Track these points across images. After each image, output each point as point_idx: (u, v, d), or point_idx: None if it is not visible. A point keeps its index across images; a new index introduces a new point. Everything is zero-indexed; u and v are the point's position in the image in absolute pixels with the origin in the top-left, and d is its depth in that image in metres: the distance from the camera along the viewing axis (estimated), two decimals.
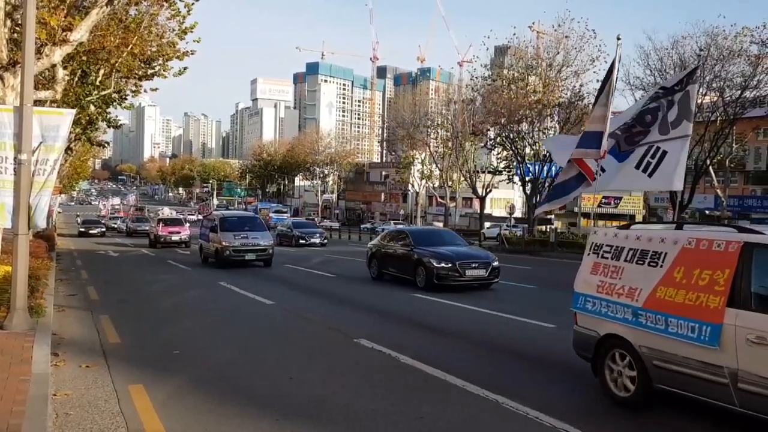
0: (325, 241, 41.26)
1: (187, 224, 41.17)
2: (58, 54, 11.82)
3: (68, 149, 28.63)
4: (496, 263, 16.82)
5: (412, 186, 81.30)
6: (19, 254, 8.91)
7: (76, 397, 6.77)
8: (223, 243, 23.05)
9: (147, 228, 52.54)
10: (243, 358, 8.81)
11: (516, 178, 45.02)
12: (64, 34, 11.67)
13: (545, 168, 39.57)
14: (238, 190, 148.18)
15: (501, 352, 9.31)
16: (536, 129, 40.40)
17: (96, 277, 20.21)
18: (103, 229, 58.08)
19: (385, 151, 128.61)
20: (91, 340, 9.97)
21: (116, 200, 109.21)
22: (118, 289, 17.10)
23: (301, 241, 39.27)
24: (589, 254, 7.21)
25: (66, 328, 10.70)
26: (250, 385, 7.42)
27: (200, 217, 74.63)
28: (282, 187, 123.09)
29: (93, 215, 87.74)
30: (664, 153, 7.15)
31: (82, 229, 56.08)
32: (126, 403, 6.56)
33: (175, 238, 37.02)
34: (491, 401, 6.67)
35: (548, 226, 51.30)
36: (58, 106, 16.23)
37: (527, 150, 41.36)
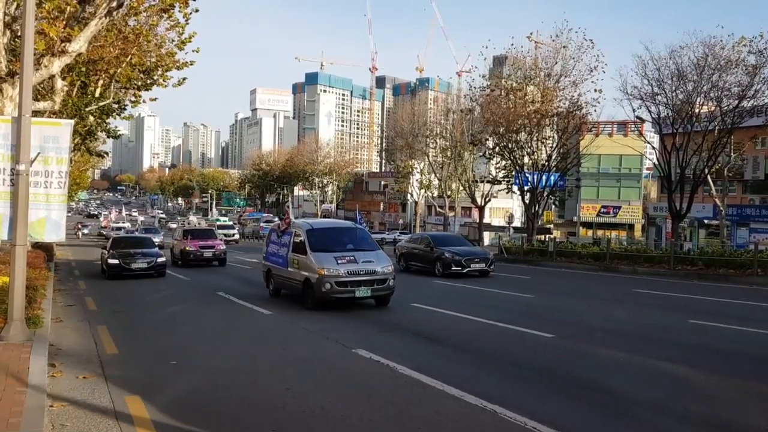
0: None
1: (220, 237, 35.43)
2: (57, 65, 11.85)
3: None
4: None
5: (411, 195, 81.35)
6: (17, 265, 8.90)
7: (72, 408, 6.75)
8: (322, 270, 14.13)
9: (157, 240, 46.74)
10: (240, 369, 8.79)
11: (515, 188, 45.03)
12: (63, 44, 11.69)
13: (544, 177, 39.59)
14: (238, 200, 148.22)
15: (499, 362, 9.29)
16: (535, 138, 40.41)
17: (94, 287, 20.17)
18: (161, 259, 30.18)
19: (383, 161, 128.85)
20: (89, 350, 9.95)
21: (115, 212, 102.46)
22: (115, 300, 17.07)
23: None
24: None
25: (63, 339, 10.67)
26: (246, 395, 7.40)
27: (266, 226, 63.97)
28: (281, 196, 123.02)
29: (96, 227, 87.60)
30: None
31: (114, 262, 27.21)
32: (123, 415, 6.53)
33: (207, 254, 29.20)
34: (489, 411, 6.65)
35: (547, 236, 51.28)
36: (57, 117, 16.27)
37: (526, 159, 41.38)
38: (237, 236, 64.26)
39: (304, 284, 14.65)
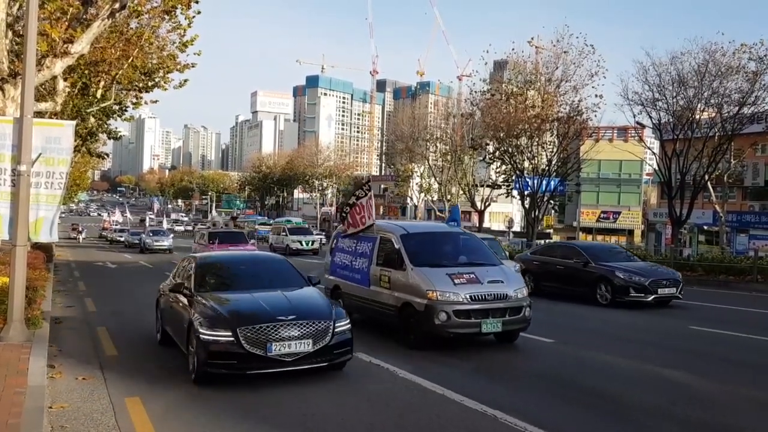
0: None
1: (252, 241, 30.64)
2: (59, 66, 11.86)
3: None
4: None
5: (411, 199, 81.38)
6: (17, 265, 8.89)
7: (72, 409, 6.74)
8: (434, 294, 9.95)
9: (167, 244, 45.23)
10: None
11: (515, 192, 45.03)
12: (65, 46, 11.72)
13: (544, 182, 39.60)
14: (237, 202, 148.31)
15: (499, 367, 9.28)
16: (535, 143, 40.43)
17: (93, 288, 20.15)
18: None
19: (384, 165, 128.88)
20: (88, 352, 9.93)
21: (118, 214, 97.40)
22: (115, 301, 17.05)
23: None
24: None
25: (63, 340, 10.65)
26: (246, 398, 7.38)
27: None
28: (281, 199, 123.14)
29: (98, 228, 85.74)
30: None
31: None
32: (122, 416, 6.52)
33: None
34: (489, 416, 6.64)
35: (546, 241, 51.30)
36: (58, 118, 16.28)
37: (526, 164, 41.38)
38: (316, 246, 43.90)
39: (401, 312, 10.44)
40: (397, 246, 10.99)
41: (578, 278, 17.17)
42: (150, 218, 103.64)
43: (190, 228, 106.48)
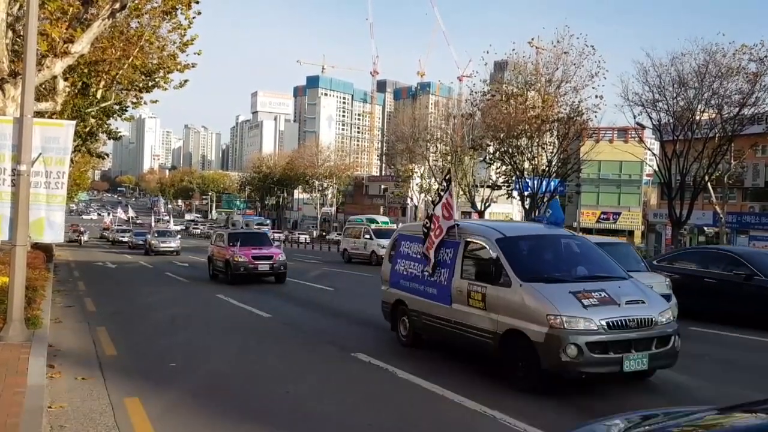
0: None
1: (276, 242, 27.18)
2: (59, 66, 11.86)
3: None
4: None
5: (411, 200, 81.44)
6: (17, 265, 8.89)
7: (71, 409, 6.74)
8: (557, 320, 7.48)
9: (174, 245, 42.72)
10: (239, 372, 8.77)
11: (515, 193, 45.04)
12: (66, 45, 11.72)
13: (544, 183, 39.63)
14: (238, 202, 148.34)
15: (499, 368, 9.27)
16: (535, 144, 40.47)
17: (93, 288, 20.15)
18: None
19: (384, 165, 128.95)
20: (87, 352, 9.93)
21: (121, 212, 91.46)
22: (114, 301, 17.05)
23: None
24: None
25: (62, 340, 10.65)
26: (245, 398, 7.39)
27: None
28: (281, 199, 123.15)
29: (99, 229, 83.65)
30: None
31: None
32: (122, 416, 6.52)
33: (263, 267, 21.57)
34: (488, 416, 6.64)
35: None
36: (58, 118, 16.29)
37: (526, 165, 41.42)
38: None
39: (504, 342, 8.05)
40: (493, 254, 8.52)
41: (739, 295, 13.26)
42: (162, 219, 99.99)
43: (195, 230, 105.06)
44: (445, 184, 10.11)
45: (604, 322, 7.45)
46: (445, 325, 9.28)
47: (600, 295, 7.79)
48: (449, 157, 59.25)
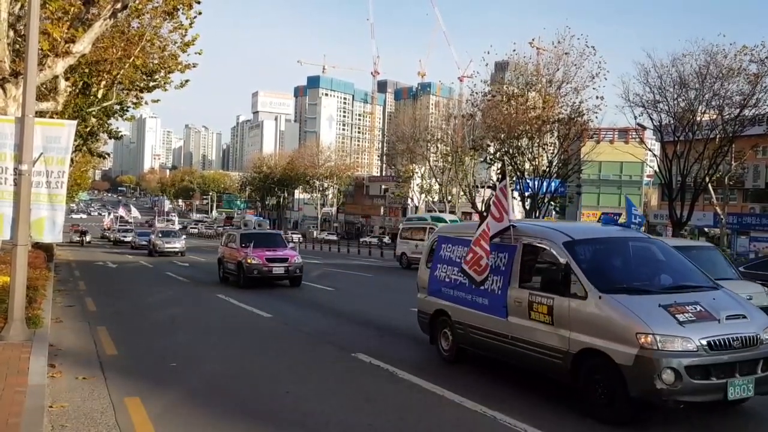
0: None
1: (291, 243, 24.90)
2: (60, 65, 11.87)
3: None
4: None
5: (412, 200, 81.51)
6: (18, 265, 8.90)
7: (72, 409, 6.74)
8: (648, 338, 6.32)
9: (179, 246, 41.04)
10: (239, 372, 8.78)
11: (515, 194, 45.06)
12: (67, 45, 11.72)
13: (545, 184, 39.64)
14: (238, 202, 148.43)
15: (499, 368, 9.27)
16: (536, 145, 40.48)
17: (94, 288, 20.15)
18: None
19: (384, 165, 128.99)
20: (88, 351, 9.94)
21: (122, 211, 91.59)
22: (115, 301, 17.05)
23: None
24: None
25: (63, 340, 10.66)
26: (246, 398, 7.39)
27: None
28: (281, 199, 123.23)
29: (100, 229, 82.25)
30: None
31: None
32: (122, 416, 6.53)
33: (278, 270, 20.32)
34: (488, 417, 6.64)
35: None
36: (59, 118, 16.31)
37: (527, 165, 41.44)
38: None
39: (578, 363, 6.92)
40: (561, 259, 7.46)
41: None
42: (172, 219, 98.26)
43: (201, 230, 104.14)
44: (498, 180, 8.82)
45: (704, 342, 6.28)
46: (499, 341, 8.16)
47: (695, 309, 6.66)
48: (450, 158, 59.31)
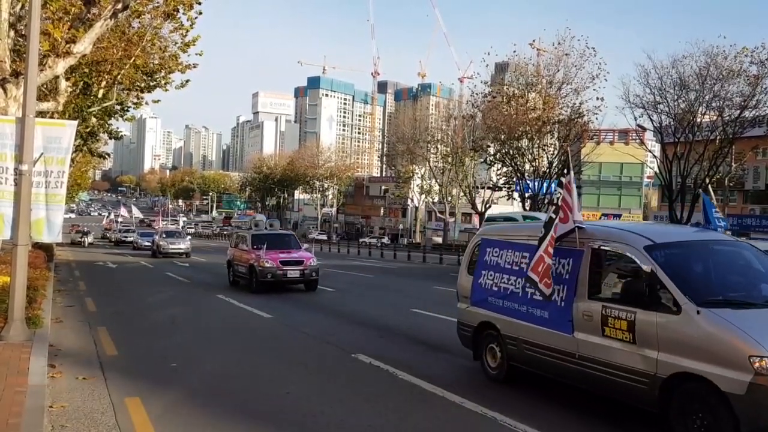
0: None
1: (307, 245, 23.71)
2: (61, 66, 11.88)
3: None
4: None
5: (412, 200, 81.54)
6: (18, 265, 8.90)
7: (72, 409, 6.74)
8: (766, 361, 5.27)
9: (184, 247, 39.51)
10: (240, 372, 8.77)
11: (515, 194, 45.09)
12: (68, 46, 11.74)
13: (545, 184, 39.68)
14: (238, 202, 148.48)
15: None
16: (536, 145, 40.54)
17: (94, 288, 20.15)
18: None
19: (384, 166, 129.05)
20: (88, 351, 9.94)
21: (124, 211, 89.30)
22: (115, 301, 17.06)
23: None
24: None
25: (63, 340, 10.66)
26: (246, 399, 7.39)
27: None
28: (281, 200, 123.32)
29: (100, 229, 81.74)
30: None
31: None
32: (122, 416, 6.53)
33: (293, 273, 19.11)
34: (489, 418, 6.64)
35: None
36: (59, 118, 16.31)
37: (527, 166, 41.49)
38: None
39: (668, 388, 5.93)
40: (644, 267, 6.26)
41: None
42: (179, 220, 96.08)
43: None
44: (562, 175, 7.68)
45: None
46: (563, 360, 7.08)
47: None
48: (450, 159, 59.33)
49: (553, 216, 7.14)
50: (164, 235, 41.51)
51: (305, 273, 19.16)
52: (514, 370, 8.03)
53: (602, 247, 6.99)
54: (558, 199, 7.26)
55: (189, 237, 44.25)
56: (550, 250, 7.00)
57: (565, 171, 7.61)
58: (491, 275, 8.40)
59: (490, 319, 8.30)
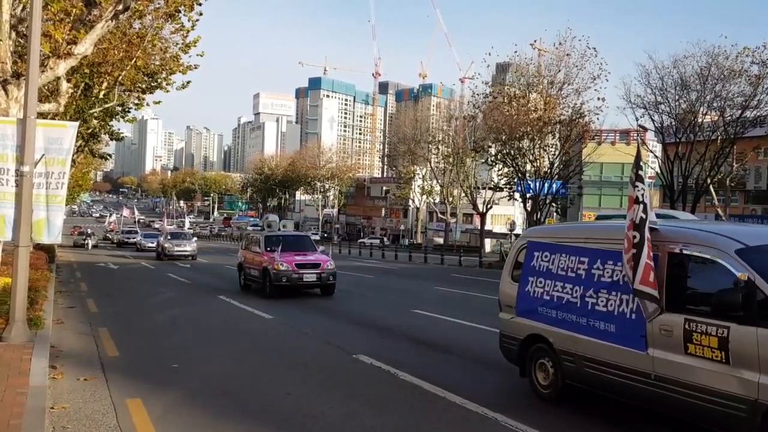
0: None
1: (321, 247, 21.65)
2: (62, 67, 11.89)
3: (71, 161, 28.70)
4: None
5: (413, 201, 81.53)
6: (19, 266, 8.90)
7: (73, 410, 6.75)
8: None
9: (190, 249, 38.15)
10: (240, 373, 8.78)
11: (517, 195, 45.06)
12: (69, 47, 11.75)
13: (546, 185, 39.65)
14: (239, 203, 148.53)
15: (501, 370, 9.26)
16: (537, 146, 40.50)
17: (95, 289, 20.17)
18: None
19: (386, 167, 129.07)
20: (90, 352, 9.95)
21: (126, 212, 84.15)
22: (116, 302, 17.07)
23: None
24: None
25: (64, 341, 10.67)
26: (247, 399, 7.40)
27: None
28: (283, 201, 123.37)
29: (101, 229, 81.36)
30: None
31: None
32: (123, 417, 6.53)
33: (309, 277, 18.21)
34: (490, 419, 6.64)
35: None
36: (61, 119, 16.33)
37: (528, 167, 41.45)
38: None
39: None
40: (738, 274, 5.35)
41: None
42: (186, 222, 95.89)
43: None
44: (634, 174, 6.38)
45: None
46: (635, 381, 6.15)
47: None
48: (451, 159, 59.34)
49: (644, 216, 6.01)
50: (169, 237, 40.53)
51: (322, 277, 18.27)
52: (568, 389, 7.14)
53: (683, 251, 6.02)
54: (643, 195, 6.10)
55: (195, 239, 43.25)
56: (651, 254, 5.97)
57: (638, 167, 6.41)
58: (541, 282, 7.51)
59: (541, 332, 7.39)
